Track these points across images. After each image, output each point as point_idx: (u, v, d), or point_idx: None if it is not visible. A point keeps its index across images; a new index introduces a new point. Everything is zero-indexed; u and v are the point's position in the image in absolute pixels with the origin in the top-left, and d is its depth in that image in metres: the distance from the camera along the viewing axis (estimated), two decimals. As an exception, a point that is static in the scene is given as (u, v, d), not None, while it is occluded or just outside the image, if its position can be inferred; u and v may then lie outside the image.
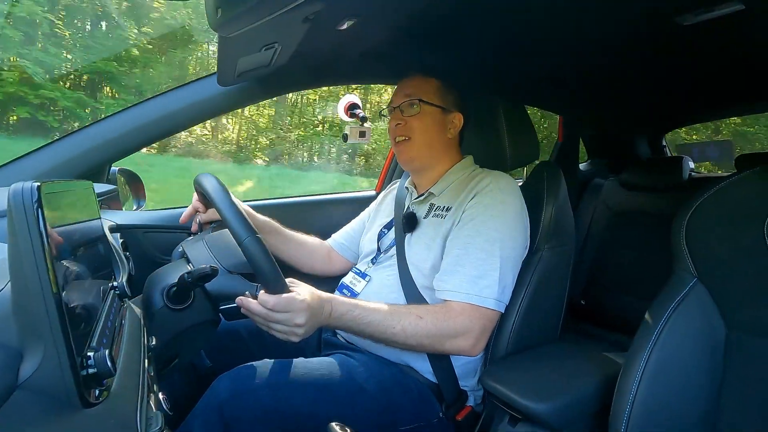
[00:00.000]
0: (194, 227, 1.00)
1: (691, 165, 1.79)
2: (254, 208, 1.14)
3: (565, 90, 1.52)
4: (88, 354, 0.39)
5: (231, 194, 0.80)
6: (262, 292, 0.75)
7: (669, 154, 2.25)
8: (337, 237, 1.29)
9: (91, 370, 0.39)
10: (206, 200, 0.93)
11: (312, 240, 1.25)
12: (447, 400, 0.95)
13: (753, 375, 0.66)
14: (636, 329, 0.77)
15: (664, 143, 2.23)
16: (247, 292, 0.77)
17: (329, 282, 1.25)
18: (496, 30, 1.02)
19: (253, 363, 0.88)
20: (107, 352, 0.40)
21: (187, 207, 1.05)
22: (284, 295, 0.75)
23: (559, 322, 1.10)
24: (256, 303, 0.75)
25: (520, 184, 1.16)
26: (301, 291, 0.77)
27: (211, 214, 1.00)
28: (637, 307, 0.79)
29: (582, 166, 2.20)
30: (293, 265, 1.20)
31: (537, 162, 1.19)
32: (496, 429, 0.90)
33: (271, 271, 0.74)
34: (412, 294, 0.98)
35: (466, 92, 1.12)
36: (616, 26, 1.03)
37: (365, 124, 1.38)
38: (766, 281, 0.66)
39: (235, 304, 0.77)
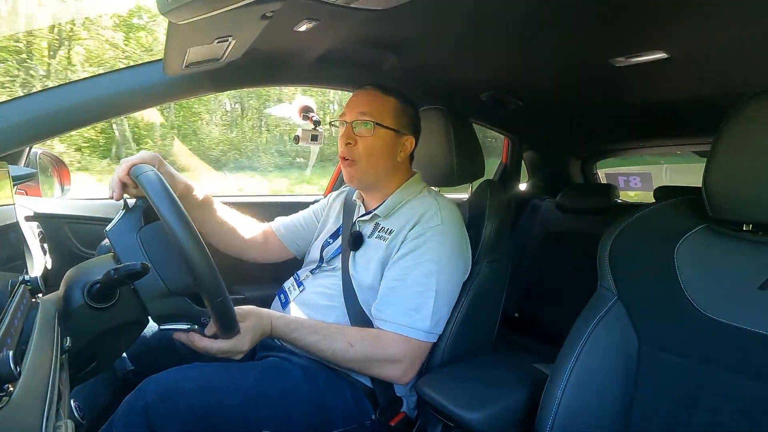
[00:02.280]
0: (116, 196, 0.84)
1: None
2: None
3: (512, 112, 1.61)
4: None
5: (176, 199, 0.70)
6: (209, 326, 0.76)
7: (599, 181, 2.45)
8: (281, 222, 1.23)
9: None
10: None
11: (247, 225, 1.17)
12: (381, 405, 0.96)
13: (660, 385, 0.73)
14: (563, 341, 0.82)
15: (595, 171, 2.43)
16: (194, 326, 0.76)
17: (270, 273, 1.24)
18: (451, 42, 1.06)
19: (183, 366, 0.84)
20: (11, 353, 0.36)
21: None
22: (228, 342, 0.78)
23: (494, 332, 1.15)
24: (200, 343, 0.77)
25: (466, 198, 1.21)
26: (246, 329, 0.80)
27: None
28: (566, 320, 0.85)
29: (522, 186, 2.33)
30: (220, 247, 1.12)
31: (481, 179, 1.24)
32: None
33: (229, 323, 0.74)
34: (354, 308, 0.99)
35: (419, 105, 1.14)
36: (560, 60, 1.12)
37: (318, 128, 1.37)
38: (673, 302, 0.74)
39: (176, 327, 0.75)
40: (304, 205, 1.30)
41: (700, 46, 0.94)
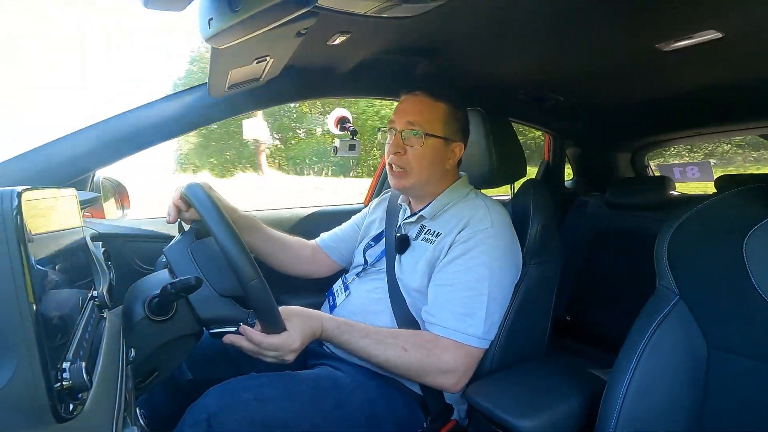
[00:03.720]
0: (171, 220, 0.95)
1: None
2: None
3: (551, 108, 1.55)
4: (63, 366, 0.38)
5: (221, 210, 0.77)
6: (255, 327, 0.77)
7: (651, 174, 2.31)
8: (326, 237, 1.27)
9: (65, 384, 0.37)
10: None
11: (295, 240, 1.22)
12: (432, 413, 0.95)
13: (734, 393, 0.67)
14: (620, 345, 0.78)
15: (646, 163, 2.29)
16: (240, 324, 0.78)
17: (317, 282, 1.25)
18: (483, 42, 1.04)
19: (241, 377, 0.87)
20: (83, 364, 0.38)
21: None
22: (277, 337, 0.77)
23: (544, 337, 1.10)
24: (248, 341, 0.77)
25: (508, 199, 1.18)
26: (294, 328, 0.80)
27: (195, 212, 0.98)
28: (620, 324, 0.80)
29: (567, 183, 2.24)
30: (273, 265, 1.17)
31: (524, 179, 1.21)
32: None
33: (271, 314, 0.76)
34: (402, 312, 0.98)
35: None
36: (602, 51, 1.07)
37: (355, 138, 1.39)
38: (743, 300, 0.68)
39: (226, 329, 0.78)
40: (346, 213, 1.32)
41: (758, 21, 0.87)
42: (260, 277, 0.73)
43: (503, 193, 1.85)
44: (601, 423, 0.74)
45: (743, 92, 1.33)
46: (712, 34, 0.91)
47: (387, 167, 1.05)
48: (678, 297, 0.74)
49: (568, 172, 2.28)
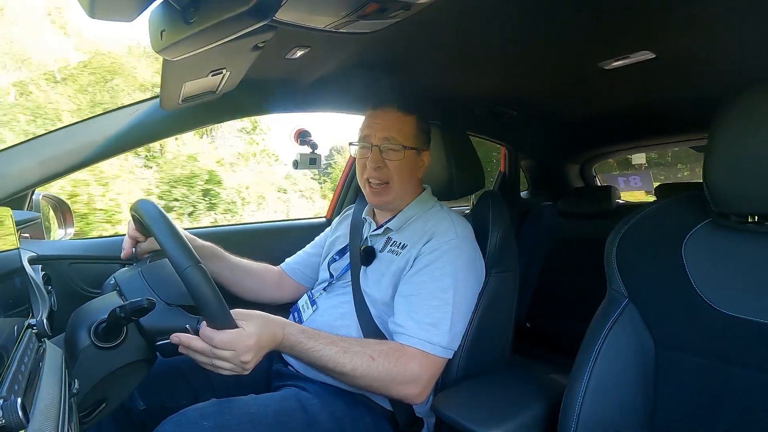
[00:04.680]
0: (125, 254, 0.93)
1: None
2: (198, 235, 1.09)
3: (506, 122, 1.62)
4: None
5: (170, 219, 0.75)
6: (204, 325, 0.70)
7: (599, 184, 2.45)
8: (290, 261, 1.26)
9: None
10: (144, 228, 0.86)
11: (259, 266, 1.20)
12: (401, 428, 0.94)
13: (682, 389, 0.71)
14: (578, 349, 0.81)
15: (594, 173, 2.43)
16: (187, 326, 0.72)
17: (280, 309, 1.21)
18: (441, 59, 1.07)
19: (200, 404, 0.81)
20: (18, 400, 0.35)
21: (120, 236, 0.97)
22: (230, 331, 0.71)
23: (507, 345, 1.13)
24: (198, 339, 0.70)
25: (468, 211, 1.21)
26: (250, 325, 0.74)
27: (152, 243, 0.93)
28: (579, 327, 0.83)
29: (523, 194, 2.33)
30: (238, 293, 1.14)
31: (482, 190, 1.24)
32: None
33: (215, 302, 0.69)
34: (368, 325, 0.97)
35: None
36: (550, 68, 1.14)
37: (316, 151, 1.38)
38: (685, 300, 0.73)
39: (166, 342, 0.71)
40: (307, 228, 1.30)
41: (686, 44, 0.95)
42: (198, 263, 0.68)
43: (463, 205, 1.90)
44: (563, 425, 0.76)
45: (676, 108, 1.45)
46: (646, 55, 1.00)
47: (364, 184, 1.05)
48: (627, 299, 0.78)
49: (523, 182, 2.37)
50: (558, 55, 1.04)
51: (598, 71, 1.10)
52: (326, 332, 0.87)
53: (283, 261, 1.28)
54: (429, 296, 0.92)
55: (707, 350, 0.69)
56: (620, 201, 1.99)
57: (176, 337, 0.71)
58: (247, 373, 0.74)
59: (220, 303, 0.70)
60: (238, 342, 0.71)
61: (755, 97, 0.65)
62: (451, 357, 0.93)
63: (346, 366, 0.83)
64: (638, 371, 0.75)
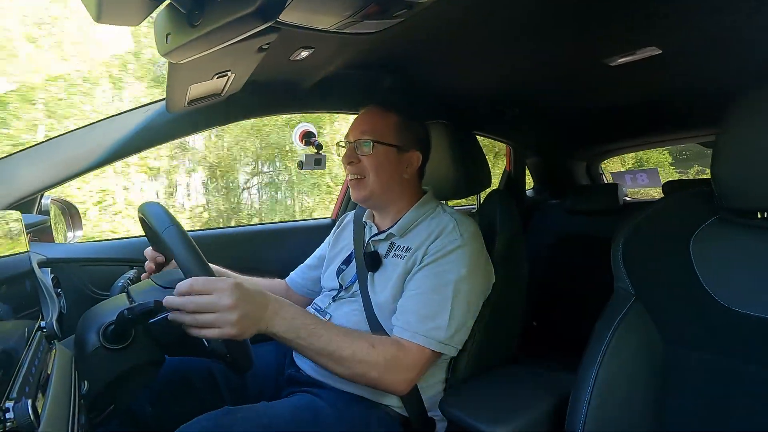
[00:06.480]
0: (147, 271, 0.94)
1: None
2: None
3: (511, 120, 1.61)
4: (7, 406, 0.35)
5: (176, 221, 0.75)
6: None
7: (606, 181, 2.44)
8: (294, 275, 1.26)
9: (9, 425, 0.34)
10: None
11: (266, 282, 1.20)
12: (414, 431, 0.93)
13: (690, 387, 0.71)
14: (585, 347, 0.80)
15: (600, 171, 2.41)
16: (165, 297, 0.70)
17: None
18: (445, 58, 1.07)
19: (211, 413, 0.80)
20: (29, 402, 0.35)
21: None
22: (207, 278, 0.69)
23: (514, 343, 1.13)
24: (180, 297, 0.67)
25: (474, 210, 1.20)
26: (235, 283, 0.71)
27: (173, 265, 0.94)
28: (585, 325, 0.83)
29: (528, 192, 2.32)
30: None
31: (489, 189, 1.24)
32: None
33: (193, 257, 0.68)
34: (379, 332, 0.96)
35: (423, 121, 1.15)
36: (555, 65, 1.13)
37: (320, 152, 1.38)
38: (693, 296, 0.72)
39: (163, 315, 0.69)
40: (313, 229, 1.30)
41: (692, 40, 0.94)
42: (177, 224, 0.69)
43: (470, 204, 1.90)
44: (570, 423, 0.75)
45: (683, 104, 1.44)
46: (653, 50, 0.99)
47: (347, 180, 1.07)
48: (634, 297, 0.78)
49: (529, 181, 2.37)
50: (563, 52, 1.04)
51: (603, 68, 1.09)
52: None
53: (290, 262, 1.28)
54: (430, 291, 0.92)
55: (716, 347, 0.69)
56: (627, 198, 1.97)
57: (168, 300, 0.68)
58: (235, 330, 0.68)
59: (199, 257, 0.69)
60: (216, 282, 0.68)
61: (765, 93, 0.65)
62: (449, 353, 0.93)
63: (345, 351, 0.81)
64: (646, 369, 0.74)
